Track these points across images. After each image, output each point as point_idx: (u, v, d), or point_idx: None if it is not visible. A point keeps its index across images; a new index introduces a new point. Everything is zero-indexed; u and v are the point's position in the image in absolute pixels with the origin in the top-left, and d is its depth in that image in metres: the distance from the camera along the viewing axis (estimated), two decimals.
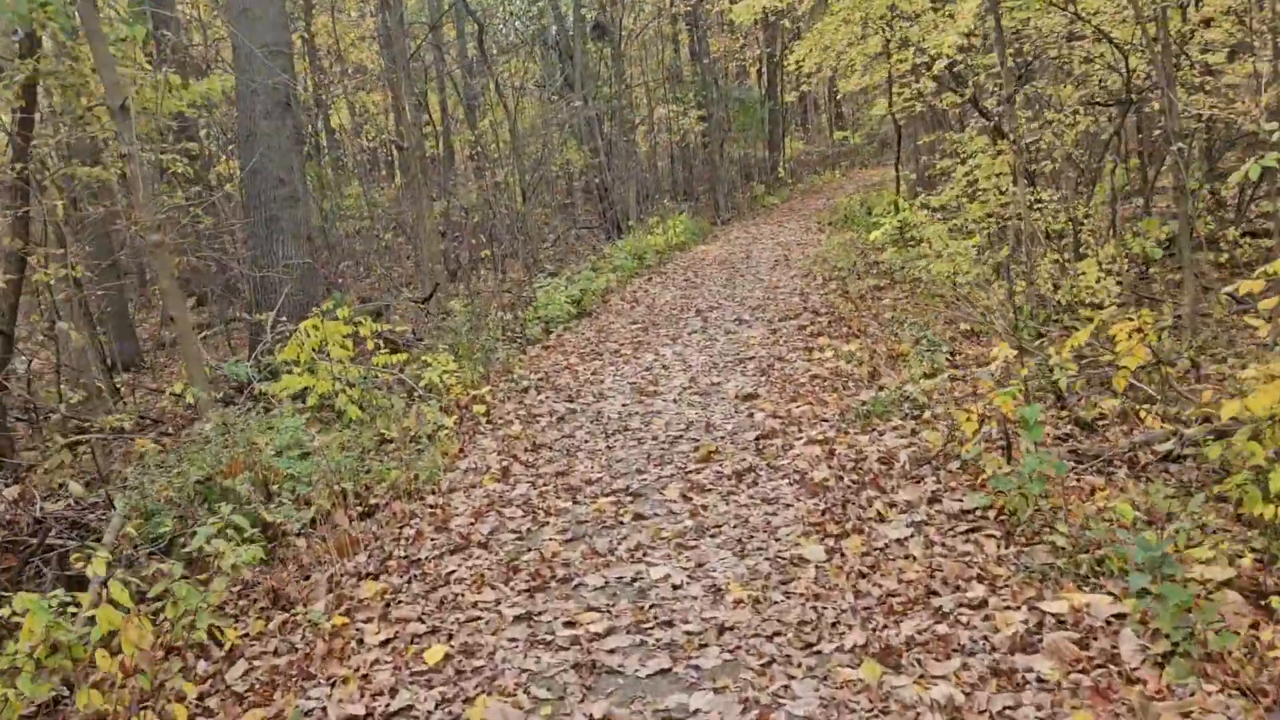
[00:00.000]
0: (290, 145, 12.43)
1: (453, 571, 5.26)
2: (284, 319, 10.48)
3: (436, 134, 26.62)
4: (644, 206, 26.45)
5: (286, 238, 12.15)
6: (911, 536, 4.97)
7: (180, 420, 10.71)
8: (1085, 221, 10.88)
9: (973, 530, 4.96)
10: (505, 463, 7.10)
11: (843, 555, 4.87)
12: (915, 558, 4.73)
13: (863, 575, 4.62)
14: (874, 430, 6.74)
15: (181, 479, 6.39)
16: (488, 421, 8.22)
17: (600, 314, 13.09)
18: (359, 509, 6.57)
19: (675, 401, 8.26)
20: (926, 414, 6.83)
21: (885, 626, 4.15)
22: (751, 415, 7.57)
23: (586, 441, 7.48)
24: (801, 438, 6.81)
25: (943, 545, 4.84)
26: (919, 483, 5.65)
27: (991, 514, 5.10)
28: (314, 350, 8.58)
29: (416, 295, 15.14)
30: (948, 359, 8.35)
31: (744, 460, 6.51)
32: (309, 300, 12.12)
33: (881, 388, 7.72)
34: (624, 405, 8.35)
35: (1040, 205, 11.00)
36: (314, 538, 6.03)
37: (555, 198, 29.22)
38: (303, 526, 6.08)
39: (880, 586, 4.49)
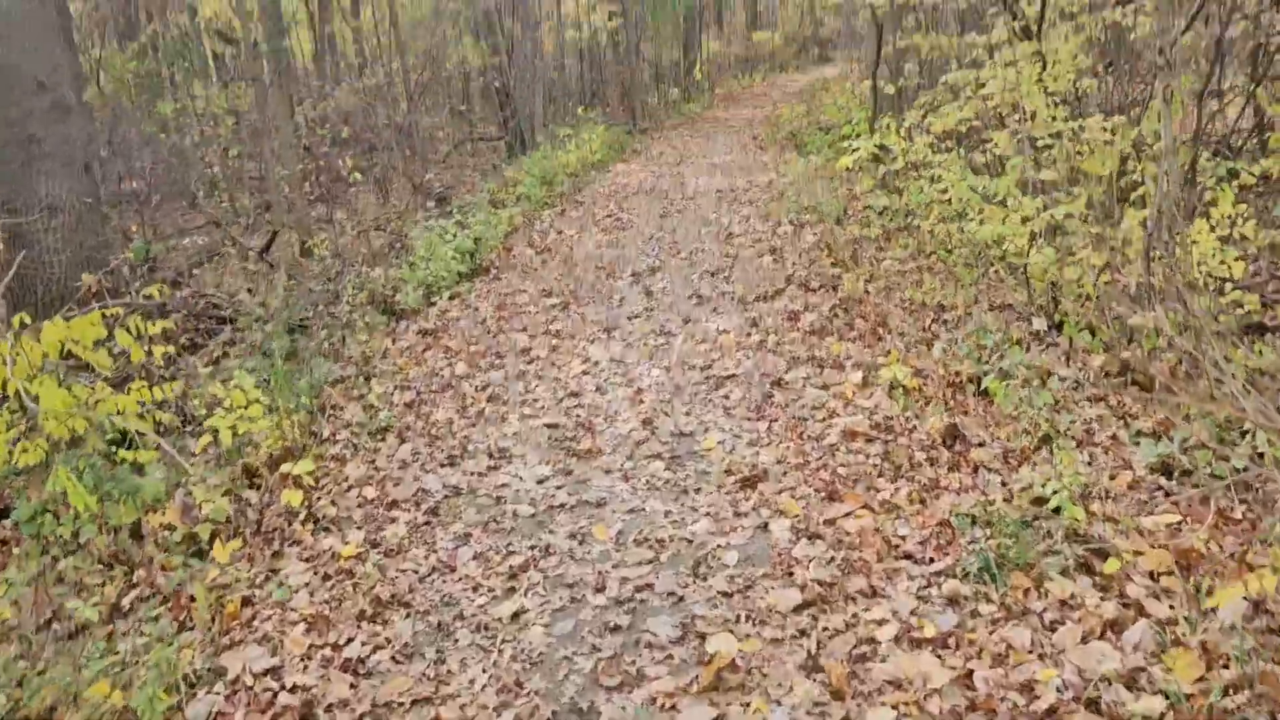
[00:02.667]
0: (52, 33, 8.39)
1: None
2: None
3: (313, 23, 22.15)
4: (551, 113, 22.47)
5: (54, 166, 8.21)
6: None
7: None
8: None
9: None
10: (313, 682, 3.55)
11: None
12: None
13: None
14: (1029, 609, 3.37)
15: None
16: (305, 518, 4.63)
17: (501, 272, 9.43)
18: None
19: (626, 477, 4.77)
20: (1113, 567, 3.47)
21: None
22: (766, 529, 4.13)
23: (478, 588, 3.96)
24: (885, 618, 3.42)
25: None
26: None
27: None
28: (28, 377, 4.90)
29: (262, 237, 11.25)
30: (1055, 409, 5.01)
31: (797, 701, 3.10)
32: (86, 258, 8.28)
33: (980, 472, 4.35)
34: (540, 479, 4.84)
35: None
36: None
37: (450, 100, 24.97)
38: None
39: None
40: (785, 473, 4.60)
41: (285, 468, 4.73)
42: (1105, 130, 6.44)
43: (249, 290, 9.69)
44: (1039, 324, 6.31)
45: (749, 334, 6.62)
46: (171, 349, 6.88)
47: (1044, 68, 8.24)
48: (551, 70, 23.18)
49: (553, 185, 13.93)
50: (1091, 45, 9.22)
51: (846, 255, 8.36)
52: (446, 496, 4.76)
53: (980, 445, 4.63)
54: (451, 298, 8.65)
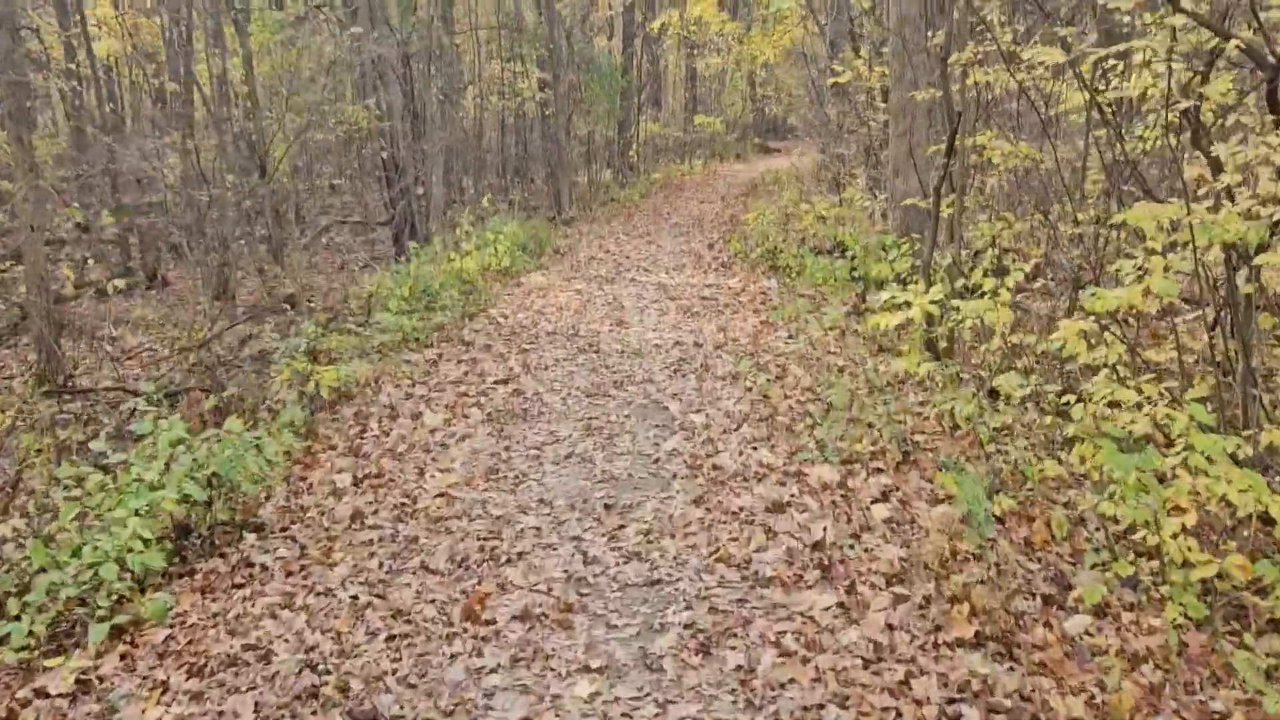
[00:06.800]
0: None
1: None
2: None
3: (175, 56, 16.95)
4: (462, 185, 17.57)
5: None
6: None
7: None
8: None
9: None
10: None
11: None
12: None
13: None
14: None
15: None
16: None
17: (257, 550, 4.39)
18: None
19: None
20: None
21: None
22: None
23: None
24: None
25: None
26: None
27: None
28: None
29: None
30: None
31: None
32: None
33: None
34: None
35: None
36: None
37: (345, 172, 19.85)
38: None
39: None
40: None
41: None
42: None
43: None
44: None
45: None
46: None
47: None
48: (468, 141, 18.31)
49: (433, 308, 8.95)
50: None
51: (996, 603, 3.52)
52: None
53: None
54: (101, 653, 3.60)
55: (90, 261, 9.76)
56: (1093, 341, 5.10)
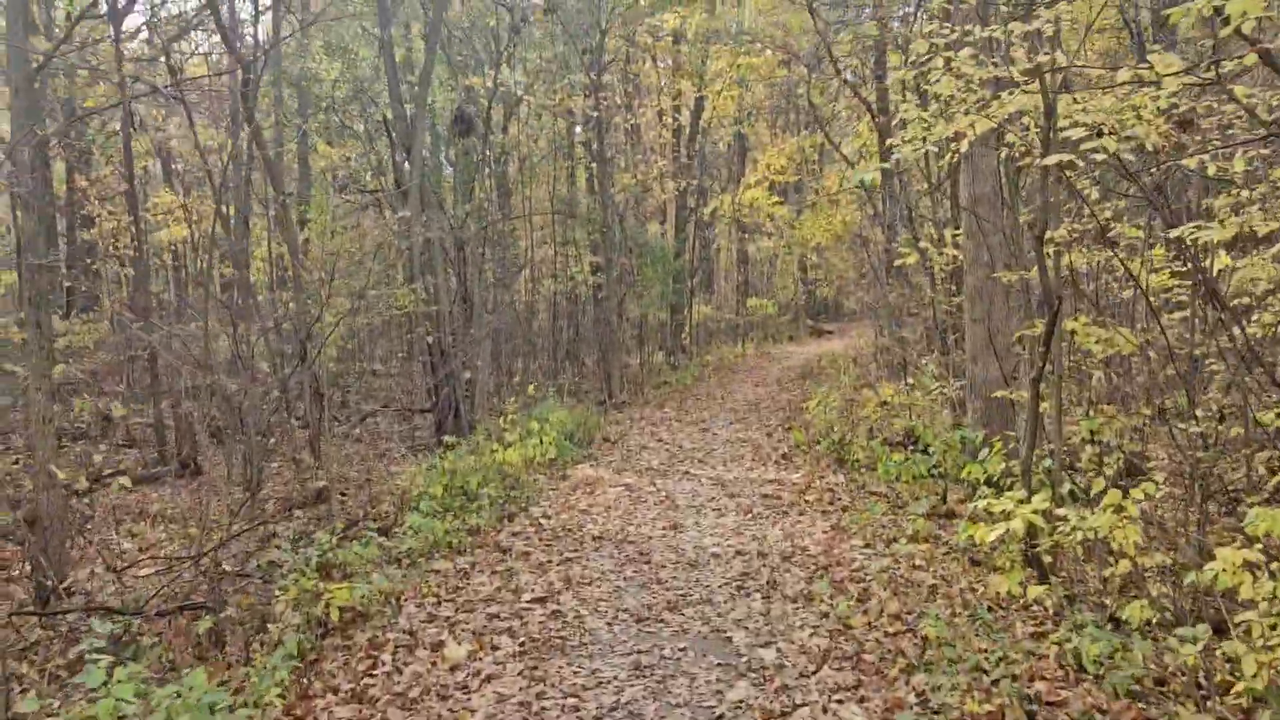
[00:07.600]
0: None
1: None
2: None
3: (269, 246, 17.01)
4: (506, 374, 17.07)
5: None
6: None
7: None
8: None
9: None
10: None
11: None
12: None
13: None
14: None
15: None
16: None
17: None
18: None
19: None
20: None
21: None
22: None
23: None
24: None
25: None
26: None
27: None
28: None
29: None
30: None
31: None
32: None
33: None
34: None
35: None
36: None
37: (401, 354, 19.61)
38: None
39: None
40: None
41: None
42: None
43: None
44: None
45: None
46: None
47: None
48: (515, 323, 17.98)
49: (470, 508, 8.16)
50: None
51: None
52: None
53: None
54: None
55: (100, 456, 9.21)
56: (1256, 574, 4.15)
